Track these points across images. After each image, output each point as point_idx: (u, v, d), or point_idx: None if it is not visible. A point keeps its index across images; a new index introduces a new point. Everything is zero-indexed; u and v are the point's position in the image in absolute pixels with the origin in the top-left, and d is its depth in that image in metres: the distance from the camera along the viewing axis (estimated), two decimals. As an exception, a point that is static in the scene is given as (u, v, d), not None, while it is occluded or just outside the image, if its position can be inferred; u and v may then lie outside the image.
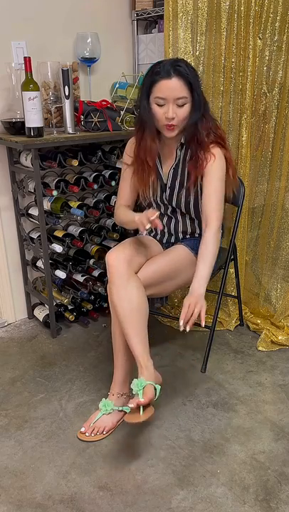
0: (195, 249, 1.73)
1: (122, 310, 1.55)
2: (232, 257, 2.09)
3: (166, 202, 1.78)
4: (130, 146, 1.78)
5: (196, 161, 1.64)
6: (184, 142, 1.69)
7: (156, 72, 1.54)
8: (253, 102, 2.04)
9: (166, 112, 1.55)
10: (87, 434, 1.61)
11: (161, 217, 1.82)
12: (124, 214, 1.77)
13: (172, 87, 1.52)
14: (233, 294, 2.32)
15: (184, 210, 1.77)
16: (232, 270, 2.24)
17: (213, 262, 1.61)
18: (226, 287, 2.31)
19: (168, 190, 1.76)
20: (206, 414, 1.73)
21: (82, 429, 1.62)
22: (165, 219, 1.84)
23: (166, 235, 1.86)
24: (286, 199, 2.10)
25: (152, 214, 1.52)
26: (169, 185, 1.75)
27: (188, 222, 1.81)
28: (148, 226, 1.54)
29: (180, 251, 1.74)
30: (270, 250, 2.20)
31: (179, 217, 1.81)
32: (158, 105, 1.56)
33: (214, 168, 1.64)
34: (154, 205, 1.82)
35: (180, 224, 1.82)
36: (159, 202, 1.80)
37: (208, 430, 1.65)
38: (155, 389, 1.50)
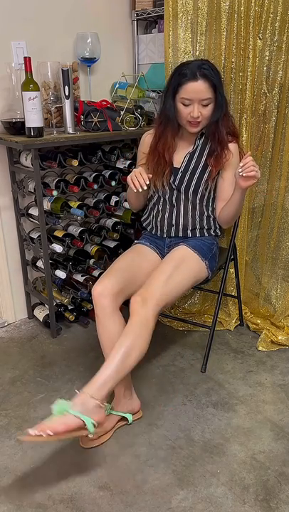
0: (198, 249, 1.75)
1: (102, 343, 1.64)
2: (232, 257, 2.10)
3: (174, 186, 1.81)
4: (148, 137, 1.88)
5: (217, 157, 1.75)
6: (204, 132, 1.78)
7: (183, 74, 1.64)
8: (253, 102, 2.04)
9: (191, 111, 1.66)
10: (30, 432, 1.35)
11: (164, 204, 1.86)
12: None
13: (198, 89, 1.62)
14: (233, 294, 2.32)
15: (190, 194, 1.80)
16: (232, 270, 2.24)
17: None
18: (226, 287, 2.31)
19: (179, 174, 1.80)
20: (206, 414, 1.73)
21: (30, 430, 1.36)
22: (167, 207, 1.85)
23: (166, 225, 1.86)
24: (286, 199, 2.10)
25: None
26: (182, 169, 1.80)
27: (190, 212, 1.83)
28: (138, 187, 1.66)
29: (185, 252, 1.74)
30: (270, 250, 2.20)
31: (182, 207, 1.83)
32: (183, 105, 1.67)
33: (235, 162, 1.77)
34: (160, 190, 1.85)
35: (181, 214, 1.83)
36: (166, 186, 1.83)
37: (208, 430, 1.65)
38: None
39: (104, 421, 1.45)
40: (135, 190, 1.69)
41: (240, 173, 1.57)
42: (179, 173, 1.80)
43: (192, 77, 1.61)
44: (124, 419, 1.67)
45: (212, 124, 1.71)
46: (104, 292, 1.61)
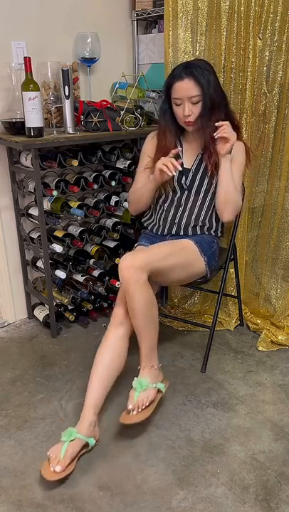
0: (199, 243, 1.77)
1: (137, 311, 1.65)
2: (232, 257, 2.10)
3: (185, 186, 1.83)
4: (152, 137, 1.90)
5: (209, 152, 1.76)
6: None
7: (172, 76, 1.70)
8: (253, 102, 2.04)
9: (183, 110, 1.70)
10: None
11: (170, 204, 1.87)
12: (138, 188, 1.89)
13: (185, 87, 1.67)
14: (233, 294, 2.32)
15: (201, 194, 1.82)
16: (232, 270, 2.25)
17: (232, 183, 1.75)
18: (226, 287, 2.31)
19: (190, 174, 1.82)
20: (206, 414, 1.73)
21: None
22: (173, 206, 1.86)
23: (169, 223, 1.87)
24: (286, 199, 2.10)
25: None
26: (192, 169, 1.82)
27: (196, 211, 1.83)
28: (176, 168, 1.67)
29: (187, 243, 1.77)
30: (270, 250, 2.20)
31: (188, 207, 1.83)
32: (176, 105, 1.73)
33: (238, 159, 1.79)
34: (171, 190, 1.85)
35: (186, 213, 1.84)
36: (176, 186, 1.84)
37: (208, 430, 1.65)
38: (159, 390, 1.66)
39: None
40: (170, 174, 1.69)
41: (215, 135, 1.63)
42: (190, 174, 1.81)
43: (179, 76, 1.68)
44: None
45: (200, 119, 1.72)
46: (134, 263, 1.58)
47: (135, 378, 1.64)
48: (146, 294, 1.60)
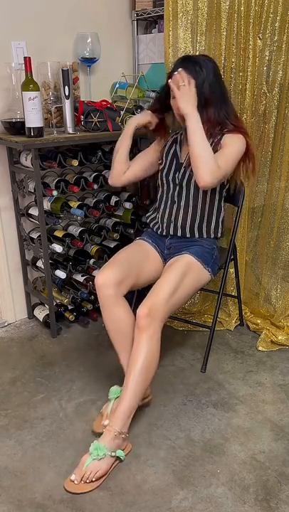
0: (201, 257, 1.75)
1: (109, 331, 1.67)
2: (232, 257, 2.09)
3: (177, 181, 1.82)
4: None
5: (209, 133, 1.75)
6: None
7: (172, 69, 1.71)
8: (253, 102, 2.04)
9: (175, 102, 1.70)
10: (76, 482, 1.43)
11: (166, 202, 1.87)
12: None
13: (177, 79, 1.66)
14: (233, 294, 2.32)
15: (192, 189, 1.79)
16: (232, 270, 2.25)
17: (203, 144, 1.64)
18: (226, 287, 2.31)
19: (182, 169, 1.81)
20: (206, 414, 1.73)
21: (72, 477, 1.44)
22: (168, 204, 1.85)
23: (166, 222, 1.86)
24: (286, 199, 2.10)
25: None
26: (185, 164, 1.81)
27: (190, 209, 1.81)
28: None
29: (189, 261, 1.72)
30: (270, 250, 2.20)
31: (182, 203, 1.82)
32: (172, 98, 1.72)
33: (231, 140, 1.73)
34: (166, 184, 1.86)
35: (181, 210, 1.82)
36: (170, 180, 1.84)
37: (208, 430, 1.65)
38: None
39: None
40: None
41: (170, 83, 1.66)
42: (182, 168, 1.80)
43: (174, 69, 1.69)
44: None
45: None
46: (106, 282, 1.63)
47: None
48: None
